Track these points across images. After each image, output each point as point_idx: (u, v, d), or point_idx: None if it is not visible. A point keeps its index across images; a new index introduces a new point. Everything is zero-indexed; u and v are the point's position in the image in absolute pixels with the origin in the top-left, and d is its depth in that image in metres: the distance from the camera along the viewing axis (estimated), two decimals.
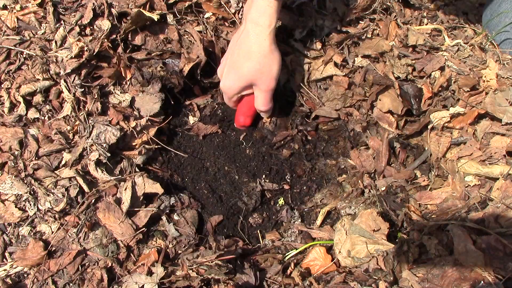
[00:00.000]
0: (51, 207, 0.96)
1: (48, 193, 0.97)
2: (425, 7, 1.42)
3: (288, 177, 1.22)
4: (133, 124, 1.11)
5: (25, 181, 0.97)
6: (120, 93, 1.15)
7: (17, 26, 1.14)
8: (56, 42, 1.12)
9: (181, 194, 1.10)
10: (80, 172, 1.00)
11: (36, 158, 1.01)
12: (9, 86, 1.07)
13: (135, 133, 1.10)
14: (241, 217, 1.13)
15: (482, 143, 1.08)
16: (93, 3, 1.15)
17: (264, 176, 1.20)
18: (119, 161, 1.07)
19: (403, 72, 1.25)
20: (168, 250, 0.98)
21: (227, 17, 1.27)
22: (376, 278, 0.90)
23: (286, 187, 1.20)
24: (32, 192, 0.96)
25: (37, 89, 1.07)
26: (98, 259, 0.93)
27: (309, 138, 1.29)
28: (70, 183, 0.99)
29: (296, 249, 1.03)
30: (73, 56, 1.08)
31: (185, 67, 1.20)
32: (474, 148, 1.07)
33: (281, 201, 1.18)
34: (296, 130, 1.27)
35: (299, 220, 1.14)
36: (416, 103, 1.23)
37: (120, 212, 0.98)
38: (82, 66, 1.10)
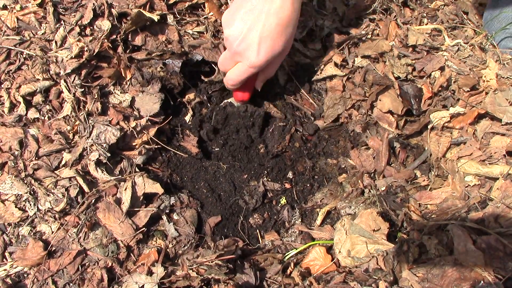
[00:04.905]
0: (51, 207, 0.96)
1: (48, 193, 0.97)
2: (425, 7, 1.42)
3: (290, 175, 1.22)
4: (133, 124, 1.11)
5: (25, 181, 0.97)
6: (120, 93, 1.15)
7: (17, 26, 1.14)
8: (56, 42, 1.12)
9: (181, 194, 1.10)
10: (80, 172, 1.00)
11: (36, 158, 1.01)
12: (9, 86, 1.07)
13: (135, 133, 1.10)
14: (241, 216, 1.13)
15: (482, 143, 1.08)
16: (93, 3, 1.15)
17: (266, 172, 1.20)
18: (119, 161, 1.07)
19: (403, 72, 1.24)
20: (168, 250, 0.98)
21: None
22: (376, 278, 0.90)
23: (288, 186, 1.20)
24: (32, 192, 0.96)
25: (37, 89, 1.07)
26: (98, 259, 0.93)
27: (309, 138, 1.29)
28: (70, 183, 0.99)
29: (296, 249, 1.03)
30: (73, 56, 1.08)
31: None
32: (474, 148, 1.07)
33: (283, 200, 1.18)
34: (294, 128, 1.27)
35: (299, 220, 1.13)
36: (416, 103, 1.23)
37: (120, 212, 0.98)
38: (82, 66, 1.10)
